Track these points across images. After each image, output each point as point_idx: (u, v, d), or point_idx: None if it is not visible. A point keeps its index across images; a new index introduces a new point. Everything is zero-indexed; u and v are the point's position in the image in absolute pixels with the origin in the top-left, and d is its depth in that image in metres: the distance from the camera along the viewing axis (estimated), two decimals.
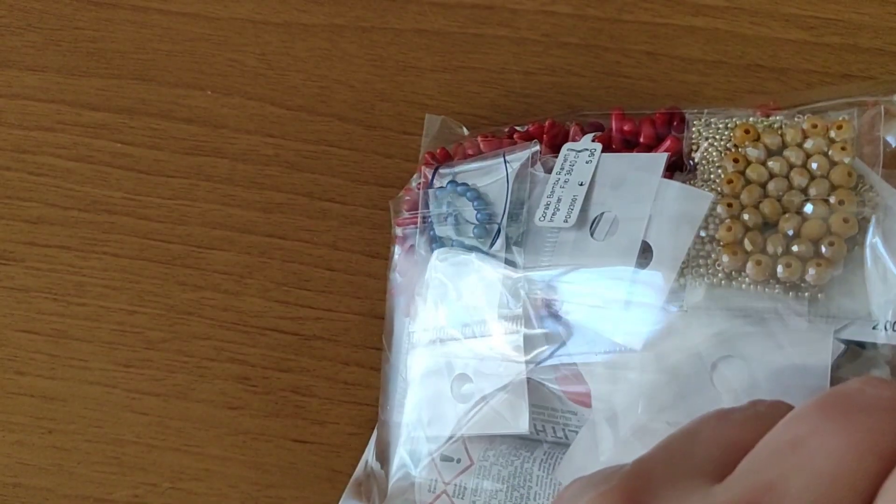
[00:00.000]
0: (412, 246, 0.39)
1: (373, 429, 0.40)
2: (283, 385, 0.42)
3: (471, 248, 0.37)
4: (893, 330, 0.31)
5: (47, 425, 0.42)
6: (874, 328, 0.31)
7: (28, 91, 0.46)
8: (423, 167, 0.40)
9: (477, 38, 0.46)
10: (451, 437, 0.36)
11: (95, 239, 0.44)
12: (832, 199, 0.32)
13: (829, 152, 0.33)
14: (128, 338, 0.43)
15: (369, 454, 0.39)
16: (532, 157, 0.38)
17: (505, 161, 0.38)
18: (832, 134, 0.34)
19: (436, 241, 0.38)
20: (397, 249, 0.40)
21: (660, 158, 0.35)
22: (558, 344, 0.35)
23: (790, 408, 0.23)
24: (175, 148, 0.45)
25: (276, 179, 0.45)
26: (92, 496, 0.41)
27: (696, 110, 0.36)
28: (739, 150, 0.34)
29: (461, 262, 0.37)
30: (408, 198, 0.40)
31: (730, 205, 0.33)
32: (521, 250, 0.36)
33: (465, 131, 0.42)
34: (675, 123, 0.37)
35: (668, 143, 0.36)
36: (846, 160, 0.33)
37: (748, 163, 0.34)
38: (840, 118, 0.34)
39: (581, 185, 0.36)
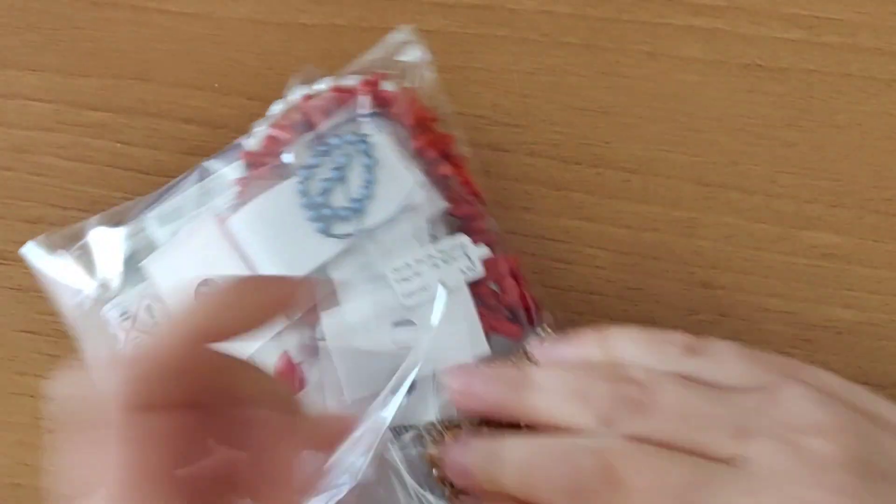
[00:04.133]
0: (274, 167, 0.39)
1: None
2: None
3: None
4: None
5: (47, 425, 0.42)
6: None
7: (27, 91, 0.46)
8: (361, 87, 0.40)
9: (477, 38, 0.46)
10: None
11: None
12: None
13: None
14: None
15: None
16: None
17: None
18: None
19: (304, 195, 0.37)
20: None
21: None
22: None
23: None
24: (175, 148, 0.45)
25: None
26: None
27: None
28: None
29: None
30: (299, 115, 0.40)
31: None
32: None
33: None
34: None
35: None
36: None
37: None
38: None
39: None
